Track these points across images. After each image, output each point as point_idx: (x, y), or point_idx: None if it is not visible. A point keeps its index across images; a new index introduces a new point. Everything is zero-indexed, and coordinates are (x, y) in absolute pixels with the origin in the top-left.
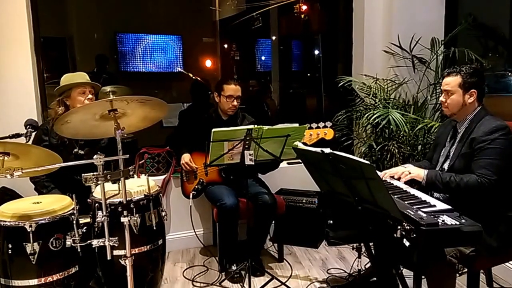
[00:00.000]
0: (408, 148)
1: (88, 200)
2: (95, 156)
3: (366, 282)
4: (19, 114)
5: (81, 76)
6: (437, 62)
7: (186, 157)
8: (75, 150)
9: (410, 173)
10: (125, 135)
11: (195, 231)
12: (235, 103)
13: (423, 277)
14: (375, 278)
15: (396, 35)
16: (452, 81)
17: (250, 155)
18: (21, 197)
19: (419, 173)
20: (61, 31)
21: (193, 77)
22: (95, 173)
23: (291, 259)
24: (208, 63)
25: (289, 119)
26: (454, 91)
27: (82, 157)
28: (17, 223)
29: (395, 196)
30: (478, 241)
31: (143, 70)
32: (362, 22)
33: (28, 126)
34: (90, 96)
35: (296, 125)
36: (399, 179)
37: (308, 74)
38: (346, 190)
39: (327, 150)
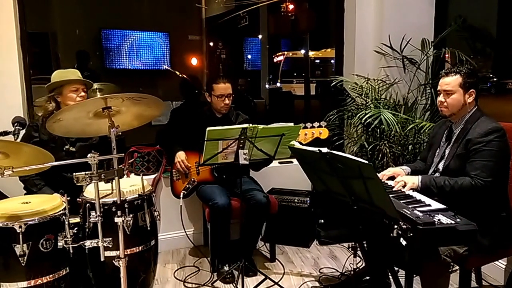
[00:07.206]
0: (399, 148)
1: (78, 199)
2: (89, 155)
3: (359, 281)
4: (6, 111)
5: (73, 73)
6: (427, 63)
7: (181, 155)
8: (66, 147)
9: (405, 184)
10: (120, 134)
11: (185, 231)
12: (226, 101)
13: (414, 276)
14: (368, 277)
15: (387, 35)
16: (452, 81)
17: (244, 154)
18: (6, 197)
19: (413, 181)
20: (44, 26)
21: (180, 75)
22: (88, 172)
23: (283, 258)
24: (194, 61)
25: (277, 119)
26: (455, 91)
27: (73, 154)
28: (6, 223)
29: (391, 196)
30: (473, 240)
31: (129, 67)
32: (354, 23)
33: (16, 124)
34: (82, 93)
35: (291, 124)
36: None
37: (295, 74)
38: (342, 189)
39: (325, 150)
